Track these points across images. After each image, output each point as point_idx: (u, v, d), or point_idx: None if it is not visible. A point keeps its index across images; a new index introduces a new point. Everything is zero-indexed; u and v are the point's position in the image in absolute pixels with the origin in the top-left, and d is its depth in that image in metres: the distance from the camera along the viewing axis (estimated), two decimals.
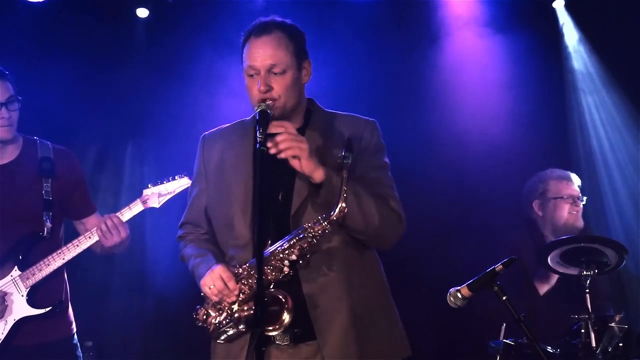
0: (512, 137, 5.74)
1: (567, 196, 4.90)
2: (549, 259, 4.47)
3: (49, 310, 4.13)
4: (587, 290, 4.29)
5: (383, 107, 5.62)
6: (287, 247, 3.11)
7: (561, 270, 4.50)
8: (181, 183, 4.14)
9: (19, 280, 4.12)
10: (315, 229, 3.09)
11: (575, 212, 4.91)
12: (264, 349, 2.95)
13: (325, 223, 3.08)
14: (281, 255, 3.10)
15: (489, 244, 5.07)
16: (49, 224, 4.16)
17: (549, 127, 5.85)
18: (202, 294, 3.24)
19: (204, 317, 3.23)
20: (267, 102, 3.15)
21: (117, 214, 4.14)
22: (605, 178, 5.83)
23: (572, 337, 4.28)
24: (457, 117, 5.80)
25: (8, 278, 4.13)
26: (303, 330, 3.15)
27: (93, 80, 5.71)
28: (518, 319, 3.21)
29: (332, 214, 3.07)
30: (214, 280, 3.15)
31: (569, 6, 5.90)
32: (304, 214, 3.17)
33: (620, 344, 4.21)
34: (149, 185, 4.16)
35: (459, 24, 5.88)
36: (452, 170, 5.75)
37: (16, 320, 4.10)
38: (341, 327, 3.14)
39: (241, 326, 3.16)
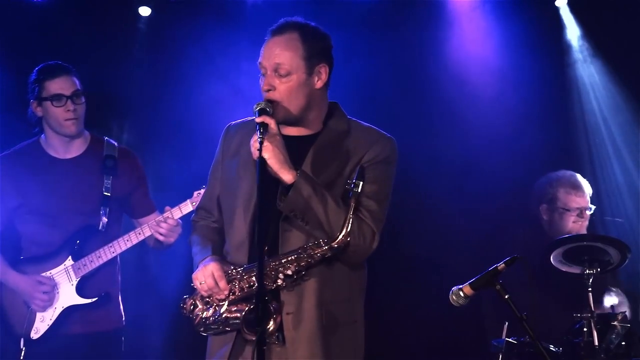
0: (518, 133, 5.73)
1: (575, 208, 4.87)
2: (551, 257, 4.47)
3: (95, 301, 4.32)
4: (590, 289, 4.29)
5: (386, 104, 5.63)
6: (285, 261, 3.11)
7: (564, 268, 4.50)
8: None
9: (71, 269, 4.34)
10: (315, 251, 3.09)
11: (580, 222, 4.89)
12: (264, 347, 2.94)
13: (326, 248, 3.09)
14: (279, 268, 3.10)
15: (493, 242, 5.07)
16: (105, 219, 4.38)
17: (555, 123, 5.83)
18: (192, 284, 3.26)
19: (191, 307, 3.27)
20: (267, 102, 3.14)
21: (166, 216, 4.31)
22: (611, 175, 5.82)
23: (575, 335, 4.28)
24: (462, 114, 5.78)
25: (61, 267, 4.35)
26: None
27: (94, 79, 5.70)
28: (520, 317, 3.21)
29: (334, 242, 3.07)
30: (206, 277, 3.17)
31: (571, 4, 5.89)
32: (294, 224, 3.13)
33: (623, 343, 4.20)
34: (203, 187, 4.16)
35: (462, 16, 5.87)
36: (455, 167, 5.74)
37: (64, 307, 4.31)
38: (309, 338, 3.14)
39: (227, 327, 3.18)
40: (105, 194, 4.40)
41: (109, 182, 4.41)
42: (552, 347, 4.31)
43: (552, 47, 5.90)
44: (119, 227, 4.51)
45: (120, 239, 4.36)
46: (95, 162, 4.45)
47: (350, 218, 3.04)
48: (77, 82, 4.39)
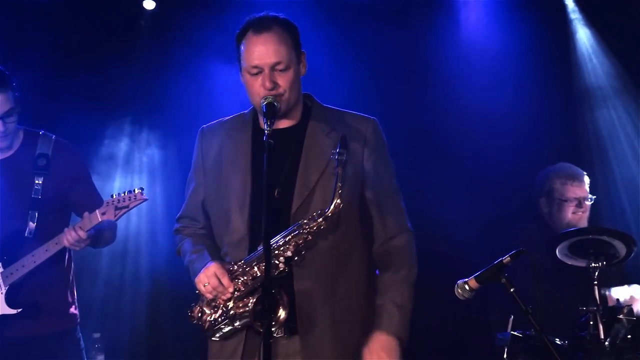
0: (522, 128, 5.72)
1: (572, 199, 4.86)
2: (557, 250, 4.46)
3: (20, 312, 4.12)
4: (596, 282, 4.28)
5: (390, 97, 5.61)
6: (282, 243, 3.11)
7: (569, 262, 4.49)
8: (138, 199, 4.01)
9: (0, 277, 4.14)
10: (311, 225, 3.10)
11: (580, 213, 4.88)
12: (271, 340, 2.94)
13: (321, 219, 3.10)
14: (277, 252, 3.10)
15: (499, 236, 5.07)
16: (32, 224, 4.14)
17: (561, 117, 5.82)
18: (196, 291, 3.24)
19: (199, 314, 3.24)
20: (274, 97, 3.14)
21: (78, 226, 4.04)
22: (617, 169, 5.81)
23: (580, 329, 4.27)
24: (468, 107, 5.77)
25: None
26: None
27: (99, 73, 5.71)
28: (526, 310, 3.20)
29: (327, 210, 3.08)
30: (209, 278, 3.16)
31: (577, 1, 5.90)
32: (305, 214, 3.16)
33: (629, 336, 4.19)
34: (112, 196, 4.06)
35: (467, 7, 5.87)
36: (460, 160, 5.74)
37: None
38: (321, 332, 3.15)
39: (237, 323, 3.17)
40: (35, 196, 4.15)
41: (40, 183, 4.15)
42: (557, 341, 4.29)
43: (558, 38, 5.89)
44: (59, 230, 4.13)
45: (41, 248, 4.09)
46: (26, 161, 4.19)
47: (339, 186, 3.06)
48: (11, 98, 4.06)
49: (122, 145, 5.93)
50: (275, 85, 3.16)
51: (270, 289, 2.95)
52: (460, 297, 3.40)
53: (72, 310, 4.31)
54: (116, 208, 4.03)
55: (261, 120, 3.24)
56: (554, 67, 5.85)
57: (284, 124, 3.28)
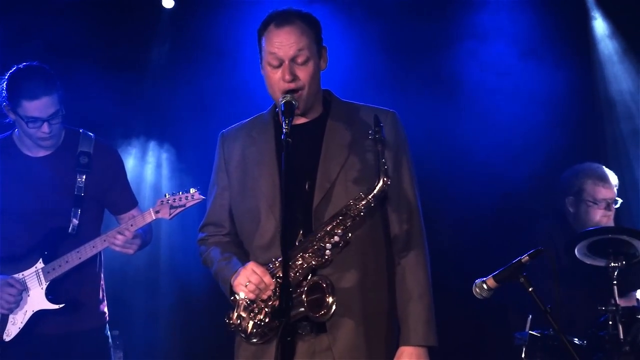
0: (544, 126, 5.71)
1: (602, 200, 4.83)
2: (576, 250, 4.44)
3: (61, 307, 4.16)
4: (615, 282, 4.26)
5: (410, 94, 5.60)
6: (330, 228, 3.09)
7: (589, 261, 4.47)
8: (195, 198, 4.06)
9: (42, 272, 4.17)
10: (359, 205, 3.08)
11: (607, 216, 4.84)
12: (289, 338, 2.94)
13: (370, 197, 3.07)
14: (324, 238, 3.08)
15: (518, 235, 5.05)
16: (75, 221, 4.19)
17: (581, 115, 5.80)
18: (232, 297, 3.17)
19: (238, 320, 3.15)
20: (292, 94, 3.13)
21: (128, 226, 4.11)
22: (637, 169, 5.77)
23: (599, 329, 4.26)
24: (487, 106, 5.76)
25: (33, 269, 4.18)
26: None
27: (118, 72, 5.73)
28: (544, 310, 3.19)
29: (374, 188, 3.06)
30: (249, 276, 3.10)
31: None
32: (327, 207, 3.16)
33: None
34: (166, 195, 4.11)
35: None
36: (480, 159, 5.72)
37: (35, 311, 4.16)
38: (351, 327, 3.14)
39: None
40: (77, 194, 4.20)
41: (82, 180, 4.21)
42: (576, 340, 4.28)
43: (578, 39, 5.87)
44: (95, 227, 4.29)
45: (87, 245, 4.14)
46: (68, 159, 4.24)
47: (382, 162, 3.04)
48: (57, 100, 4.11)
49: (136, 144, 6.00)
50: (294, 77, 3.17)
51: (288, 287, 2.93)
52: (478, 297, 3.39)
53: (102, 307, 4.35)
54: (171, 207, 4.08)
55: (281, 118, 3.25)
56: (575, 66, 5.82)
57: (303, 119, 3.28)
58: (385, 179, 3.05)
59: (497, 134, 5.72)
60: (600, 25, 5.87)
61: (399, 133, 3.31)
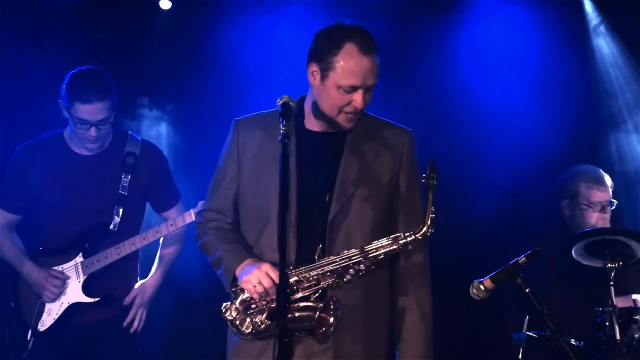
0: (541, 127, 5.71)
1: (597, 203, 4.82)
2: (573, 251, 4.44)
3: (97, 301, 4.37)
4: (612, 283, 4.26)
5: (408, 97, 5.60)
6: (370, 251, 3.08)
7: (585, 262, 4.47)
8: None
9: (80, 266, 4.38)
10: (406, 240, 3.08)
11: (603, 218, 4.84)
12: (286, 339, 2.94)
13: (410, 240, 3.07)
14: (351, 264, 3.08)
15: (515, 236, 5.05)
16: (117, 219, 4.39)
17: (580, 117, 5.80)
18: (234, 289, 3.17)
19: (235, 314, 3.14)
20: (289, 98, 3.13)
21: (168, 225, 4.40)
22: (634, 172, 5.78)
23: (597, 329, 4.26)
24: (486, 107, 5.76)
25: (72, 263, 4.40)
26: None
27: (115, 73, 5.71)
28: (541, 311, 3.20)
29: (417, 233, 3.07)
30: (262, 278, 3.05)
31: None
32: (342, 221, 3.15)
33: None
34: None
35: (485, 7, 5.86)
36: (476, 160, 5.73)
37: (70, 303, 4.37)
38: (353, 338, 3.16)
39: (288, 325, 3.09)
40: (121, 192, 4.39)
41: (127, 180, 4.40)
42: (573, 341, 4.29)
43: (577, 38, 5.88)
44: (136, 225, 4.52)
45: (126, 242, 4.38)
46: (115, 159, 4.43)
47: (430, 210, 3.02)
48: (108, 107, 4.29)
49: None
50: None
51: (285, 289, 2.92)
52: (476, 297, 3.39)
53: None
54: None
55: (308, 120, 3.25)
56: (575, 67, 5.82)
57: (327, 127, 3.25)
58: (430, 230, 3.05)
59: (494, 135, 5.72)
60: (599, 25, 5.88)
61: (413, 158, 3.32)
